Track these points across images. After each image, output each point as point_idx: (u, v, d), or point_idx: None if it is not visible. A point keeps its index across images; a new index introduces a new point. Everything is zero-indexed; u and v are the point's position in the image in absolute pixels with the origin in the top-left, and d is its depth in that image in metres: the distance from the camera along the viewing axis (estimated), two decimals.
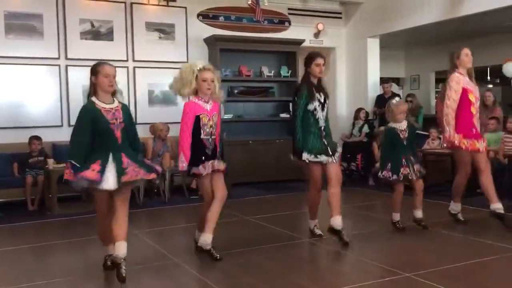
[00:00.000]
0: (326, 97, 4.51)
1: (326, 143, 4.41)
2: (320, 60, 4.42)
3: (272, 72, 8.82)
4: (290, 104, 8.83)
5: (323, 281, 3.55)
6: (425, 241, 4.48)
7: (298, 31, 9.14)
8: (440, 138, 7.53)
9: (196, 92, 4.05)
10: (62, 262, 4.19)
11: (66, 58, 7.46)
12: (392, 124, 4.78)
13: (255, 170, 8.20)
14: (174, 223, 5.91)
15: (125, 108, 3.75)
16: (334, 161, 4.40)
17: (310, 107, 4.37)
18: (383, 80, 9.33)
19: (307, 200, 4.71)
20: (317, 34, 9.45)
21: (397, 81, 12.45)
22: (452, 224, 5.07)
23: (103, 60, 6.97)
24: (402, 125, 4.76)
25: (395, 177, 4.68)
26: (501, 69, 9.08)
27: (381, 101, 9.07)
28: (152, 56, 8.00)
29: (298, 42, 8.82)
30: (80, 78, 7.40)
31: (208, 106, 4.06)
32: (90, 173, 3.44)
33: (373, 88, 9.49)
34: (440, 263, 3.75)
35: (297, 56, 8.82)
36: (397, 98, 4.93)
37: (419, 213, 4.87)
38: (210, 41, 8.27)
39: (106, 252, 3.86)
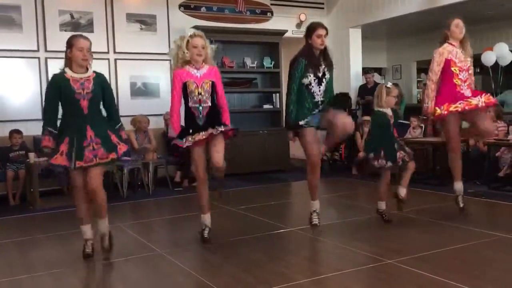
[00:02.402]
0: (329, 70, 4.28)
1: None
2: (321, 31, 4.21)
3: (255, 63, 8.81)
4: (273, 95, 8.91)
5: (308, 270, 3.59)
6: (408, 228, 4.54)
7: (281, 21, 9.13)
8: (421, 127, 7.63)
9: (189, 61, 4.02)
10: (45, 256, 4.15)
11: (46, 51, 7.34)
12: (380, 109, 4.60)
13: (238, 161, 8.20)
14: (158, 215, 5.90)
15: (98, 79, 3.74)
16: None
17: (305, 81, 4.19)
18: (366, 70, 9.39)
19: (307, 178, 4.45)
20: (299, 25, 9.45)
21: (379, 71, 12.53)
22: (433, 210, 5.14)
23: None
24: (388, 111, 4.60)
25: (390, 164, 4.51)
26: (481, 58, 9.19)
27: (364, 91, 9.14)
28: (134, 47, 7.92)
29: (281, 33, 8.81)
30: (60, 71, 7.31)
31: (198, 73, 4.00)
32: (60, 158, 3.59)
33: (356, 78, 9.54)
34: (423, 250, 3.81)
35: (280, 47, 8.82)
36: (390, 83, 4.76)
37: (403, 191, 4.69)
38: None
39: (84, 236, 3.87)
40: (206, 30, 8.06)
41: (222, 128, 3.97)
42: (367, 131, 7.99)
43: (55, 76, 3.70)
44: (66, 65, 3.71)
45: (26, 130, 6.90)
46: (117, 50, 7.81)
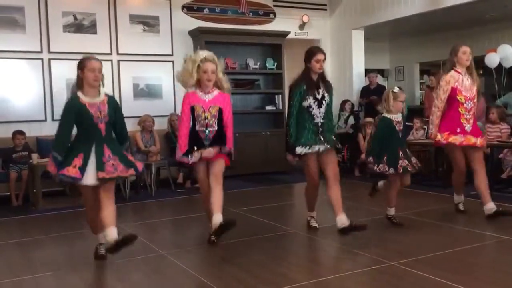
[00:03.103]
0: (327, 93, 4.38)
1: (322, 137, 4.32)
2: (320, 56, 4.32)
3: (258, 64, 8.81)
4: (275, 97, 8.91)
5: (310, 271, 3.58)
6: (410, 230, 4.53)
7: (283, 23, 9.13)
8: (424, 129, 7.63)
9: (199, 84, 4.06)
10: (48, 256, 4.16)
11: (49, 52, 7.37)
12: (387, 115, 4.58)
13: (241, 162, 8.20)
14: (160, 216, 5.90)
15: (111, 101, 3.80)
16: (331, 148, 4.31)
17: (305, 103, 4.29)
18: (369, 72, 9.39)
19: (305, 194, 4.68)
20: (302, 26, 9.46)
21: (381, 72, 12.53)
22: (436, 213, 5.13)
23: (87, 53, 6.96)
24: (398, 116, 4.56)
25: (392, 170, 4.47)
26: (484, 60, 9.17)
27: (366, 92, 9.14)
28: (137, 49, 7.93)
29: (284, 34, 8.82)
30: (63, 72, 7.33)
31: (206, 97, 4.05)
32: (71, 170, 3.59)
33: (358, 80, 9.54)
34: (425, 252, 3.80)
35: (283, 48, 8.83)
36: (396, 88, 4.76)
37: (381, 185, 4.78)
38: (195, 34, 8.23)
39: (98, 241, 3.93)
40: (208, 32, 8.17)
41: (227, 150, 4.10)
42: (369, 133, 8.04)
43: (70, 101, 3.71)
44: (78, 87, 3.74)
45: (29, 131, 6.92)
46: (120, 52, 7.83)
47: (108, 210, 3.69)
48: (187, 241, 4.56)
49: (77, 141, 3.72)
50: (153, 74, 8.11)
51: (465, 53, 4.80)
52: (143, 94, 8.04)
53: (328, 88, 4.42)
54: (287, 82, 9.09)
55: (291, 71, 9.67)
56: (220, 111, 4.10)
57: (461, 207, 5.13)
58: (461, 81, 4.78)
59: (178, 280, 3.49)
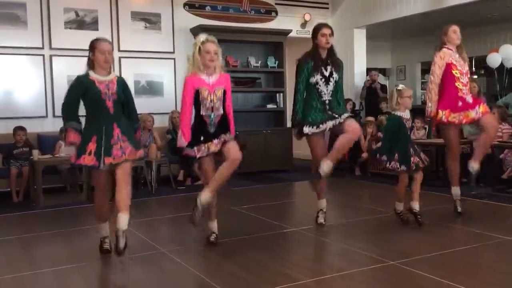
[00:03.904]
0: (336, 70, 4.28)
1: (330, 113, 4.23)
2: (326, 30, 4.24)
3: (259, 62, 8.81)
4: (277, 95, 8.90)
5: (310, 270, 3.58)
6: (411, 230, 4.52)
7: (285, 21, 9.13)
8: (425, 128, 7.62)
9: (201, 68, 3.92)
10: (48, 252, 4.17)
11: (50, 48, 7.37)
12: (395, 112, 4.57)
13: (242, 160, 8.20)
14: (160, 213, 5.91)
15: (120, 81, 3.83)
16: (341, 119, 4.19)
17: (312, 80, 4.21)
18: (370, 71, 9.39)
19: (311, 182, 4.55)
20: (304, 25, 9.45)
21: (383, 71, 12.52)
22: (437, 213, 5.13)
23: (88, 50, 6.94)
24: (406, 114, 4.55)
25: (403, 167, 4.48)
26: (485, 60, 9.17)
27: (368, 91, 9.15)
28: (138, 46, 7.93)
29: (285, 33, 8.81)
30: (64, 68, 7.34)
31: (210, 80, 3.92)
32: (87, 158, 3.61)
33: (360, 79, 9.53)
34: (425, 251, 3.80)
35: (284, 46, 8.82)
36: (401, 85, 4.75)
37: (416, 205, 4.62)
38: (196, 31, 8.19)
39: (101, 234, 3.93)
40: (210, 29, 8.14)
41: (240, 141, 4.03)
42: (370, 132, 8.04)
43: (79, 77, 3.74)
44: (89, 68, 3.77)
45: (30, 127, 6.92)
46: (121, 48, 7.82)
47: (124, 192, 3.67)
48: (187, 238, 4.57)
49: (87, 123, 3.72)
50: (154, 71, 8.11)
51: (455, 32, 4.82)
52: (144, 91, 8.04)
53: (337, 65, 4.32)
54: (289, 80, 9.11)
55: (292, 70, 9.67)
56: (224, 92, 3.98)
57: (458, 207, 4.96)
58: (454, 57, 4.79)
59: (178, 277, 3.49)
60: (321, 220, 4.58)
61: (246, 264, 3.66)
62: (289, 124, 8.81)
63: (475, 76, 12.42)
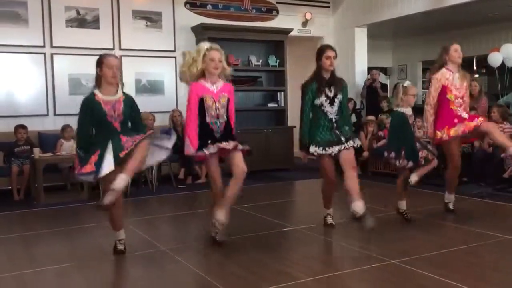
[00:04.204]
0: (340, 91, 4.34)
1: (337, 132, 4.28)
2: (330, 53, 4.29)
3: (260, 61, 8.80)
4: (278, 94, 8.90)
5: (310, 268, 3.58)
6: (411, 229, 4.52)
7: (286, 20, 9.13)
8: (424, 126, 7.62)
9: (203, 75, 3.93)
10: (49, 251, 4.17)
11: (52, 46, 7.37)
12: (400, 109, 4.60)
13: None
14: (161, 212, 5.91)
15: (127, 100, 3.79)
16: (346, 147, 4.24)
17: (317, 102, 4.27)
18: (371, 70, 9.39)
19: (322, 191, 4.58)
20: (305, 24, 9.44)
21: (384, 70, 12.51)
22: (437, 212, 5.13)
23: (89, 48, 6.94)
24: (408, 110, 4.59)
25: (411, 163, 4.52)
26: (487, 59, 9.15)
27: (369, 89, 9.15)
28: (139, 44, 7.93)
29: (286, 31, 8.81)
30: (65, 67, 7.36)
31: (214, 88, 3.93)
32: (88, 167, 3.58)
33: (361, 78, 9.52)
34: (426, 250, 3.80)
35: (285, 45, 8.82)
36: (407, 82, 4.80)
37: (414, 177, 4.61)
38: (198, 30, 8.22)
39: (116, 237, 3.91)
40: (211, 28, 8.16)
41: (247, 147, 3.98)
42: (371, 131, 8.03)
43: (86, 99, 3.72)
44: (96, 85, 3.76)
45: (31, 126, 6.93)
46: (122, 47, 7.83)
47: (136, 156, 3.59)
48: (188, 237, 4.57)
49: (94, 138, 3.72)
50: (155, 70, 8.11)
51: (457, 51, 4.83)
52: (145, 90, 8.04)
53: (341, 86, 4.38)
54: (290, 79, 9.12)
55: (293, 69, 9.69)
56: (228, 100, 4.00)
57: (451, 206, 5.05)
58: (451, 80, 4.80)
59: (179, 276, 3.49)
60: (330, 221, 4.61)
61: (247, 262, 3.67)
62: (290, 123, 8.88)
63: (476, 76, 12.44)
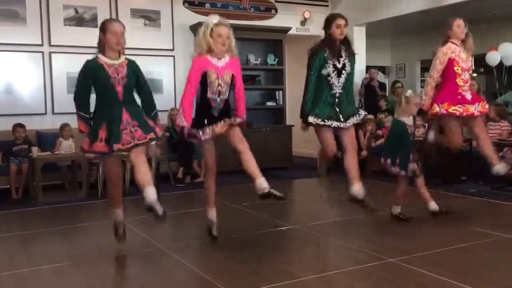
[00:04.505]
0: (349, 61, 4.20)
1: (337, 110, 4.15)
2: (341, 21, 4.11)
3: (259, 60, 8.80)
4: (276, 93, 8.89)
5: (310, 267, 3.58)
6: (410, 227, 4.53)
7: (285, 19, 9.12)
8: (424, 126, 7.61)
9: (210, 50, 3.77)
10: (47, 250, 4.17)
11: (50, 45, 7.36)
12: (401, 118, 4.62)
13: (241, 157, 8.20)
14: None
15: (131, 64, 3.70)
16: (345, 126, 4.16)
17: (324, 72, 4.10)
18: (370, 68, 9.39)
19: (319, 157, 4.45)
20: (303, 22, 9.44)
21: (383, 69, 12.52)
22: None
23: (87, 47, 6.92)
24: (409, 120, 4.62)
25: (403, 172, 4.56)
26: (485, 58, 9.16)
27: (368, 88, 9.15)
28: (137, 43, 7.88)
29: (285, 30, 8.81)
30: (64, 65, 7.34)
31: (220, 63, 3.80)
32: (99, 145, 3.52)
33: (359, 77, 9.51)
34: (424, 249, 3.80)
35: (284, 44, 8.82)
36: (409, 91, 4.79)
37: (433, 205, 4.70)
38: (196, 29, 8.14)
39: (114, 219, 3.89)
40: None
41: (239, 120, 3.91)
42: (370, 130, 8.04)
43: (88, 62, 3.62)
44: (98, 50, 3.65)
45: (29, 124, 6.92)
46: None
47: (142, 170, 3.57)
48: (186, 236, 4.57)
49: (96, 107, 3.62)
50: (154, 68, 8.09)
51: (460, 26, 4.79)
52: None
53: (351, 56, 4.23)
54: (288, 78, 9.12)
55: (292, 67, 9.68)
56: (233, 77, 3.89)
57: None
58: (457, 52, 4.74)
59: (178, 274, 3.49)
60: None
61: (246, 261, 3.67)
62: (289, 122, 8.88)
63: (475, 74, 12.46)
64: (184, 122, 3.77)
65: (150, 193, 3.51)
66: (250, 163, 3.92)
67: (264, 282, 3.21)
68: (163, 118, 7.75)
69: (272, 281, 3.22)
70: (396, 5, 8.45)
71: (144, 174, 3.57)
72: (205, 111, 3.83)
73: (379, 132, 7.87)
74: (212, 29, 3.77)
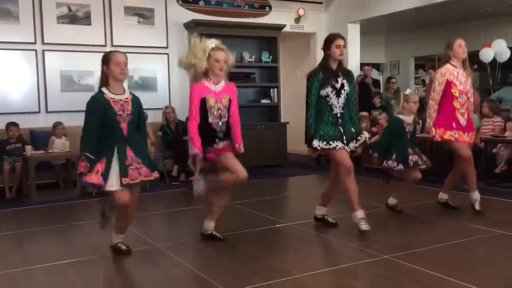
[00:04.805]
0: (347, 81, 4.18)
1: (341, 130, 4.14)
2: (340, 41, 4.12)
3: (253, 57, 8.79)
4: (271, 90, 8.89)
5: (304, 264, 3.59)
6: (404, 224, 4.55)
7: (279, 16, 9.11)
8: (419, 123, 7.63)
9: (206, 74, 3.84)
10: (41, 248, 4.15)
11: (43, 43, 7.31)
12: (399, 115, 4.76)
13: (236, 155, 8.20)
14: (155, 209, 5.89)
15: (135, 100, 3.70)
16: (347, 149, 4.15)
17: (323, 92, 4.11)
18: (364, 65, 9.40)
19: (345, 190, 4.21)
20: (297, 20, 9.43)
21: (377, 66, 12.53)
22: (430, 207, 5.15)
23: (80, 44, 6.89)
24: (410, 118, 4.72)
25: (400, 166, 4.61)
26: (479, 55, 9.19)
27: (362, 85, 9.15)
28: (131, 41, 7.88)
29: (279, 28, 8.79)
30: (57, 63, 7.30)
31: (217, 88, 3.85)
32: (94, 176, 3.46)
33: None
34: (419, 245, 3.82)
35: (278, 41, 8.81)
36: (409, 89, 4.91)
37: (393, 200, 4.91)
38: (190, 26, 8.19)
39: (116, 241, 3.88)
40: (204, 24, 8.13)
41: (242, 150, 4.02)
42: (364, 127, 8.04)
43: (95, 97, 3.57)
44: (102, 83, 3.64)
45: (22, 123, 6.88)
46: (114, 44, 7.76)
47: (128, 219, 3.78)
48: (181, 234, 4.57)
49: (99, 145, 3.53)
50: (148, 66, 8.07)
51: (461, 46, 4.77)
52: (138, 87, 7.95)
53: (348, 76, 4.22)
54: (283, 75, 9.11)
55: (286, 65, 9.69)
56: (229, 101, 3.94)
57: (476, 206, 4.89)
58: (456, 75, 4.75)
59: (173, 272, 3.49)
60: (364, 227, 4.17)
61: (241, 259, 3.67)
62: (283, 119, 8.88)
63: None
64: (195, 150, 3.79)
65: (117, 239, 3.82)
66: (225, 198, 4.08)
67: (259, 280, 3.22)
68: (158, 116, 7.75)
69: (267, 278, 3.23)
70: (390, 2, 8.45)
71: (128, 224, 3.83)
72: (211, 135, 3.87)
73: (374, 129, 7.88)
74: (209, 54, 3.80)
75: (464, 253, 3.71)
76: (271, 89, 8.92)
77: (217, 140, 3.87)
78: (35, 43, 7.27)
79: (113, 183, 3.49)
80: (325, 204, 4.55)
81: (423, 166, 4.74)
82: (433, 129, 4.77)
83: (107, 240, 3.93)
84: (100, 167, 3.48)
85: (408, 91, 4.74)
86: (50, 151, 6.54)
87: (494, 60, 9.17)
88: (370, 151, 4.85)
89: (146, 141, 3.95)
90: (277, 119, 8.87)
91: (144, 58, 8.02)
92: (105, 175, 3.48)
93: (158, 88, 8.13)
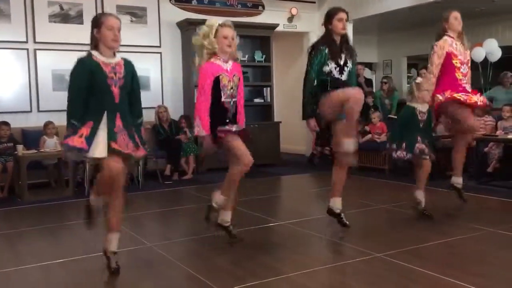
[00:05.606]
0: (350, 58, 4.03)
1: None
2: (342, 15, 3.99)
3: (246, 56, 8.78)
4: (264, 89, 8.89)
5: (297, 263, 3.59)
6: (396, 222, 4.56)
7: (272, 15, 9.11)
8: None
9: (214, 53, 3.69)
10: (33, 248, 4.13)
11: (35, 42, 7.26)
12: (411, 104, 4.57)
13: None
14: (147, 208, 5.87)
15: (128, 64, 3.39)
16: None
17: (326, 69, 3.92)
18: (356, 64, 9.42)
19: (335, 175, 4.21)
20: (291, 19, 9.44)
21: (369, 66, 12.56)
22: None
23: (72, 43, 6.81)
24: (424, 107, 4.55)
25: (409, 156, 4.48)
26: (470, 54, 9.23)
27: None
28: (124, 40, 7.59)
29: (272, 27, 8.79)
30: (49, 62, 7.25)
31: (228, 66, 3.71)
32: (77, 140, 3.07)
33: None
34: (411, 243, 3.83)
35: (271, 40, 8.81)
36: (419, 78, 4.73)
37: (420, 194, 4.63)
38: (183, 25, 8.18)
39: (109, 246, 3.50)
40: (197, 23, 8.02)
41: (247, 132, 3.87)
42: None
43: (82, 59, 3.19)
44: (92, 47, 3.27)
45: (14, 122, 6.84)
46: None
47: (117, 210, 3.35)
48: (174, 233, 4.56)
49: (86, 111, 3.16)
50: (140, 65, 7.88)
51: (457, 18, 4.73)
52: None
53: (352, 53, 4.07)
54: (276, 74, 9.11)
55: (279, 64, 9.68)
56: (239, 80, 3.84)
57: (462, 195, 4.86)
58: (454, 46, 4.68)
59: (166, 272, 3.48)
60: (346, 222, 4.16)
61: (234, 257, 3.67)
62: (276, 118, 8.88)
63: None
64: (203, 131, 3.64)
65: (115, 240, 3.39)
66: (231, 179, 3.94)
67: (252, 278, 3.22)
68: (150, 116, 7.72)
69: (260, 277, 3.23)
70: (383, 1, 8.48)
71: (119, 218, 3.40)
72: (221, 116, 3.72)
73: (366, 128, 7.90)
74: (217, 30, 3.68)
75: (456, 251, 3.73)
76: (264, 88, 8.92)
77: (227, 121, 3.74)
78: (26, 42, 7.22)
79: (98, 149, 3.08)
80: (339, 194, 4.25)
81: (427, 157, 4.54)
82: (437, 95, 4.59)
83: (100, 240, 3.90)
84: (85, 130, 3.10)
85: (418, 80, 4.59)
86: (41, 150, 6.51)
87: (485, 60, 9.22)
88: (388, 144, 4.68)
89: (140, 105, 3.55)
90: (270, 118, 8.87)
91: (137, 57, 7.86)
92: (90, 139, 3.08)
93: (151, 88, 8.11)
